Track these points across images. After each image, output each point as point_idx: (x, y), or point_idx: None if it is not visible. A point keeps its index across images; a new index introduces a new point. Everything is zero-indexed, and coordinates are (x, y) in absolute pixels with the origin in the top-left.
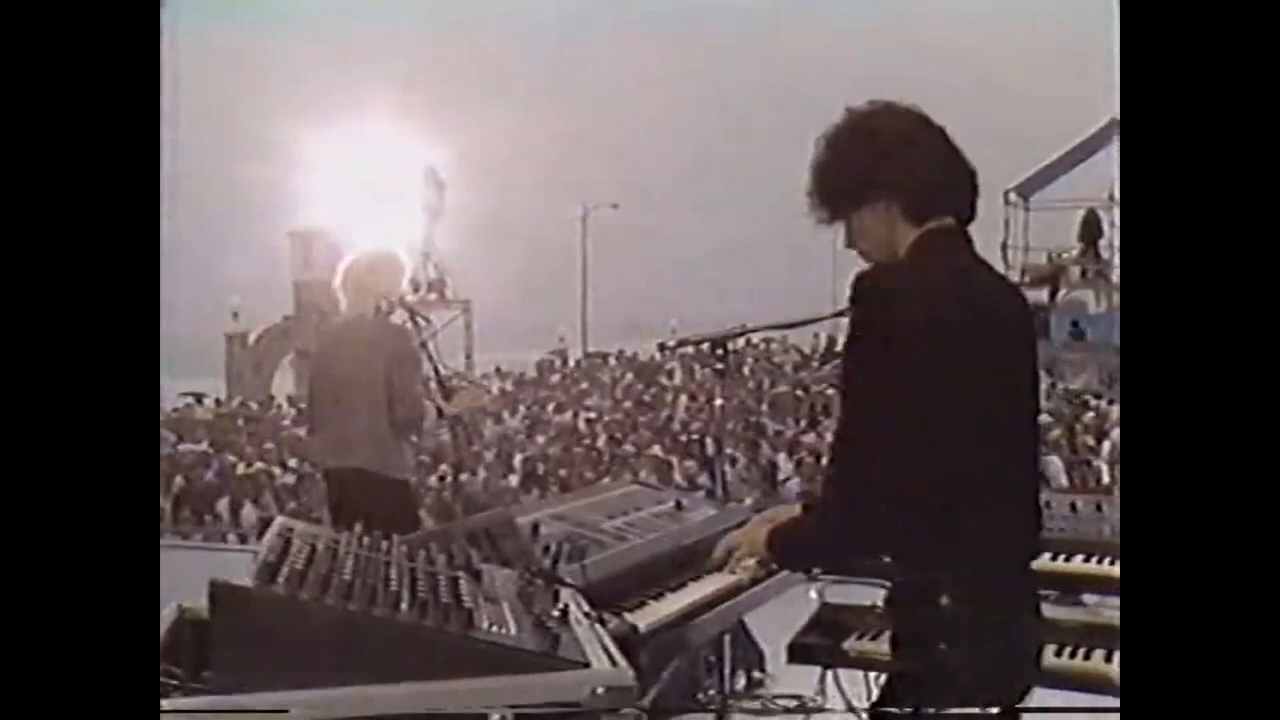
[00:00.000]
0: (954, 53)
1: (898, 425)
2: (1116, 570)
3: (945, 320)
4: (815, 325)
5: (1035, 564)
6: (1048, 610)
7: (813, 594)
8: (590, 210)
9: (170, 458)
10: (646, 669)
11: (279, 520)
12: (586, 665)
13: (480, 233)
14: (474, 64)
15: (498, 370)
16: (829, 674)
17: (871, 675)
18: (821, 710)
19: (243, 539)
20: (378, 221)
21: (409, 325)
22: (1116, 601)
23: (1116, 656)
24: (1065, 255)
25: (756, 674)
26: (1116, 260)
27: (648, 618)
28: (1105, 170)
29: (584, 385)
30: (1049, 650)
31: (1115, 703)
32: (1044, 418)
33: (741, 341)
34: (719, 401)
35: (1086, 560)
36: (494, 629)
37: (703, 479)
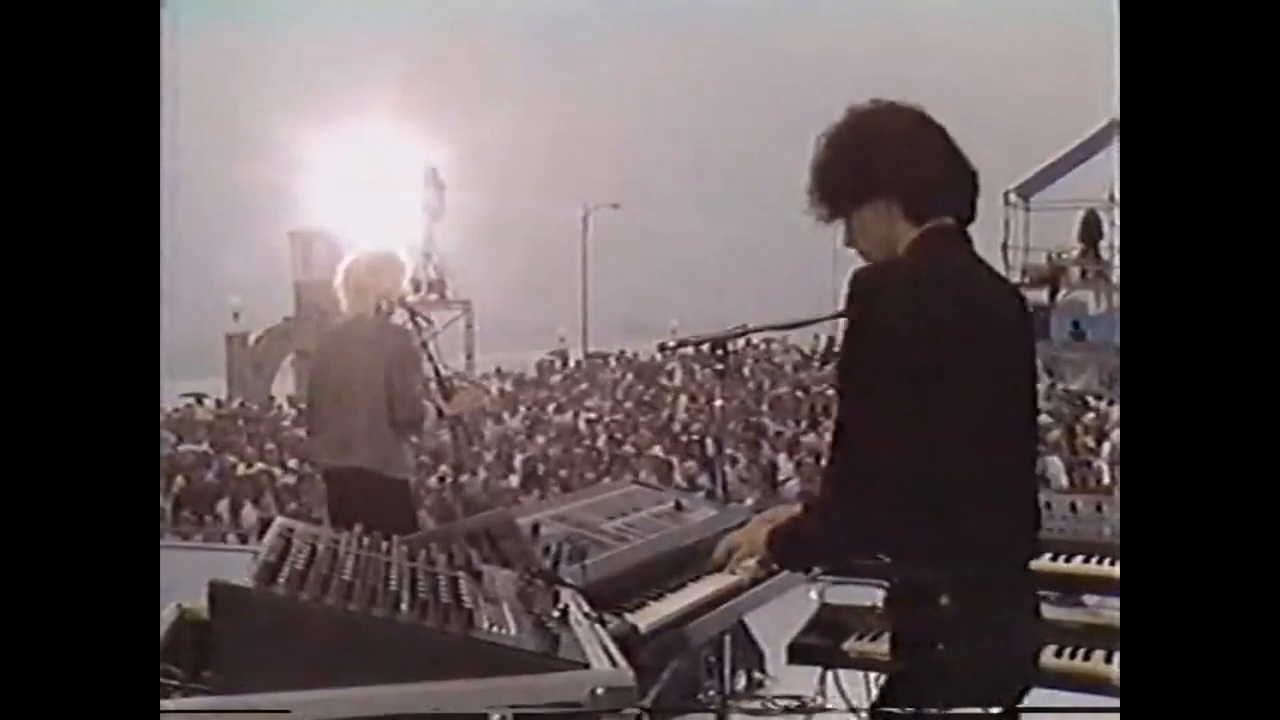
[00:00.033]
0: (954, 53)
1: (894, 423)
2: (1116, 571)
3: (942, 318)
4: (815, 326)
5: (1035, 564)
6: (1048, 611)
7: (813, 594)
8: (590, 210)
9: (170, 458)
10: (646, 669)
11: (279, 521)
12: (587, 666)
13: (480, 233)
14: (474, 64)
15: (498, 371)
16: (829, 674)
17: (871, 676)
18: (822, 710)
19: (243, 539)
20: (378, 221)
21: (409, 325)
22: (1116, 602)
23: (1116, 657)
24: (1065, 256)
25: (757, 674)
26: (1116, 261)
27: (648, 618)
28: (1105, 171)
29: (584, 386)
30: (1049, 650)
31: (1115, 703)
32: (1044, 418)
33: (742, 342)
34: (719, 402)
35: (1086, 561)
36: (494, 629)
37: (703, 479)
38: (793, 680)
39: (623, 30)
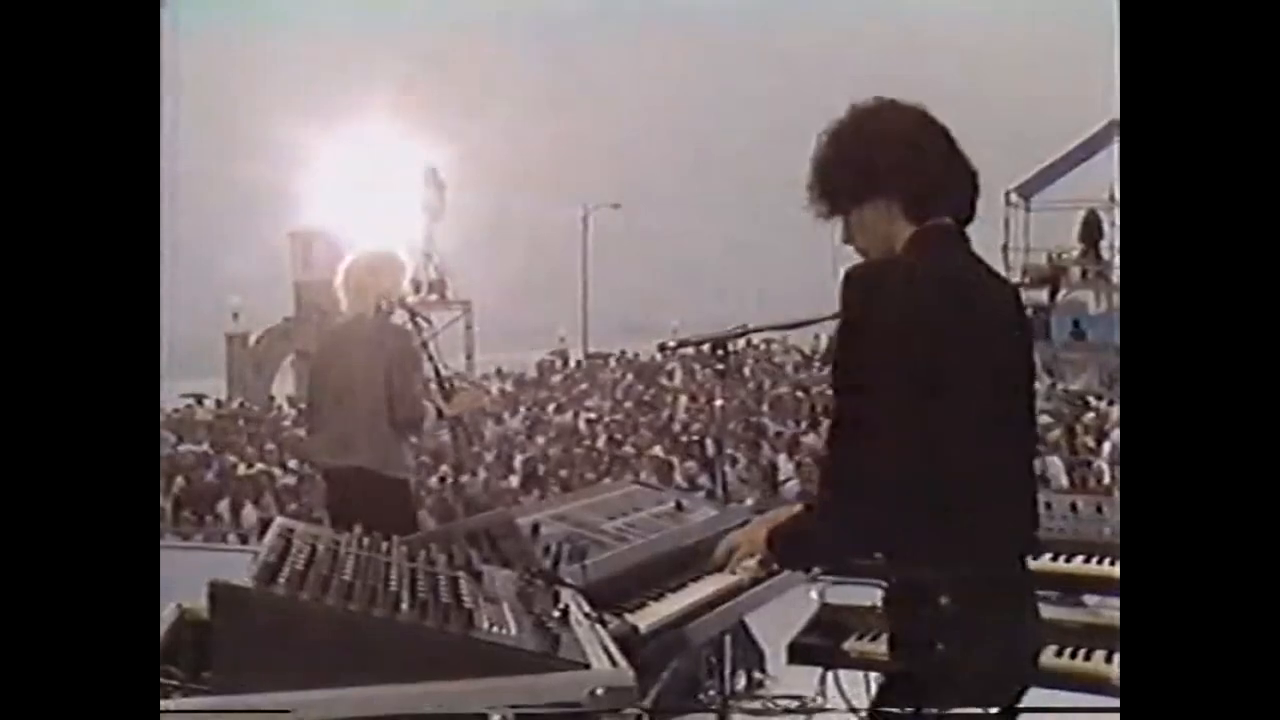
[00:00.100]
0: (954, 53)
1: (890, 421)
2: (1117, 571)
3: (938, 316)
4: (816, 326)
5: (1035, 564)
6: (1048, 611)
7: (813, 594)
8: (590, 210)
9: (171, 458)
10: (647, 669)
11: (279, 521)
12: (587, 666)
13: (480, 233)
14: (474, 64)
15: (498, 371)
16: (829, 674)
17: (871, 675)
18: (822, 710)
19: (243, 539)
20: (378, 221)
21: (409, 326)
22: (1117, 602)
23: (1117, 657)
24: (1066, 256)
25: (757, 674)
26: (1117, 261)
27: (648, 618)
28: (1105, 171)
29: (584, 386)
30: (1050, 650)
31: (1115, 703)
32: (1044, 418)
33: (742, 342)
34: (719, 402)
35: (1087, 561)
36: (494, 629)
37: (703, 480)
38: (793, 680)
39: (623, 30)
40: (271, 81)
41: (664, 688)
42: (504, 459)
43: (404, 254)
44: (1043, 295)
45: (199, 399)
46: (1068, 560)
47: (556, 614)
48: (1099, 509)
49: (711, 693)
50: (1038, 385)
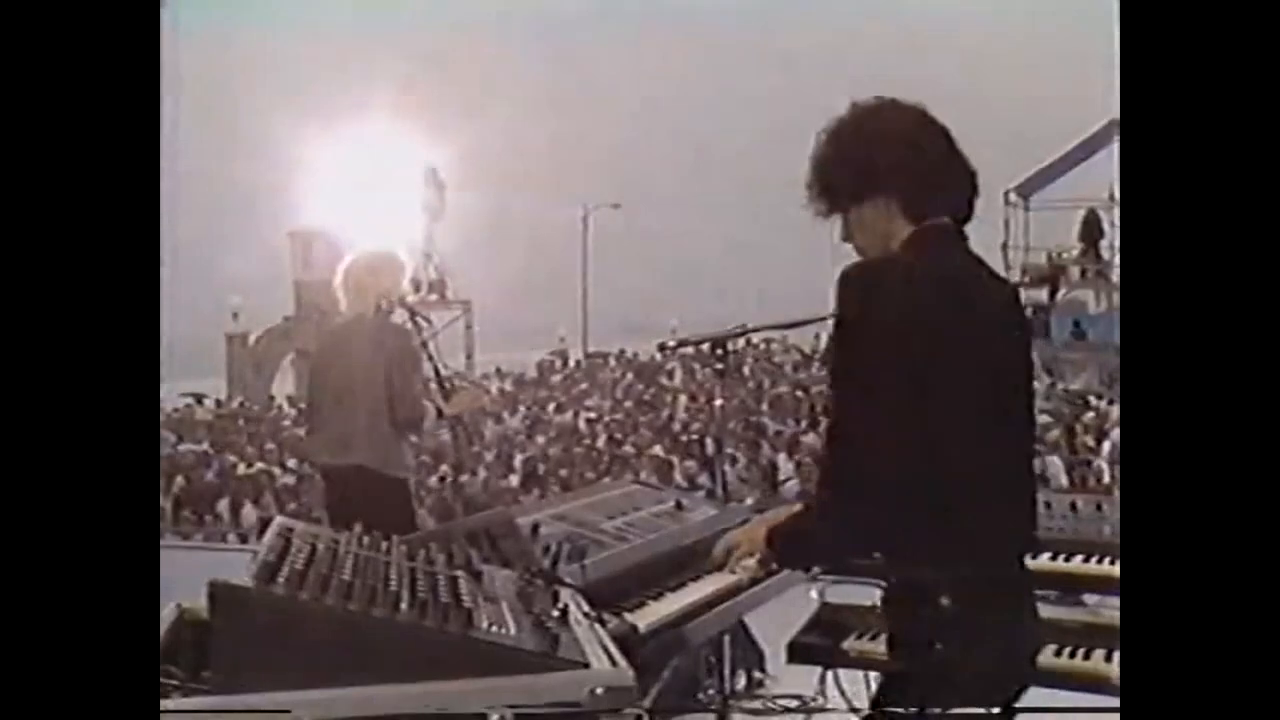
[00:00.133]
0: (954, 52)
1: (887, 420)
2: (1116, 570)
3: (935, 314)
4: (815, 325)
5: (1035, 564)
6: (1048, 610)
7: (813, 594)
8: (590, 210)
9: (170, 458)
10: (646, 669)
11: (278, 520)
12: (586, 665)
13: (480, 233)
14: (474, 64)
15: (498, 370)
16: (829, 674)
17: (871, 675)
18: (822, 710)
19: (243, 539)
20: (378, 221)
21: (409, 325)
22: (1116, 601)
23: (1116, 656)
24: (1065, 255)
25: (757, 674)
26: (1116, 260)
27: (647, 618)
28: (1105, 170)
29: (584, 385)
30: (1049, 650)
31: (1115, 702)
32: (1044, 418)
33: (741, 342)
34: (719, 402)
35: (1086, 560)
36: (494, 629)
37: (703, 479)
38: (793, 680)
39: (623, 30)
40: (271, 81)
41: (663, 687)
42: (504, 458)
43: (404, 254)
44: (1042, 295)
45: (199, 398)
46: (1067, 560)
47: (556, 613)
48: (1098, 508)
49: (711, 692)
50: (1037, 385)
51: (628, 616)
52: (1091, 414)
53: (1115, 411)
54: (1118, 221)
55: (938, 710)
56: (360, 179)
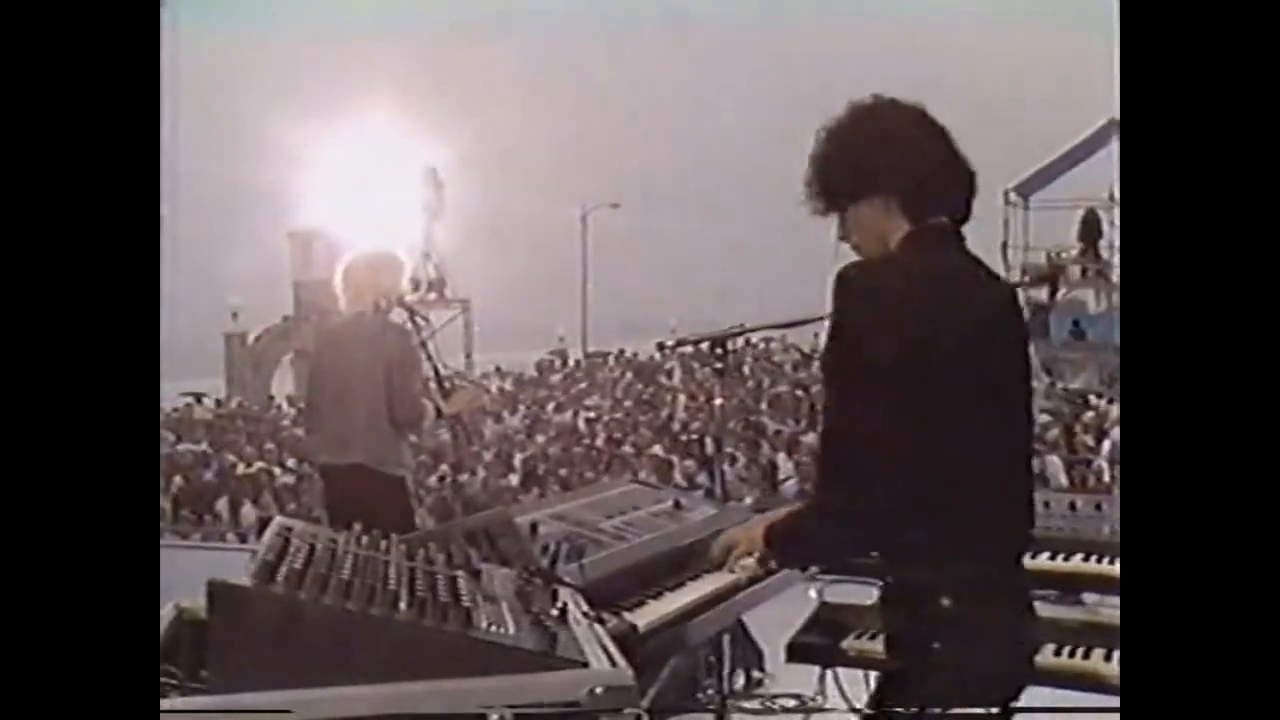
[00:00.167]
0: (954, 52)
1: (882, 419)
2: (1115, 569)
3: (930, 314)
4: (814, 325)
5: (1034, 563)
6: (1048, 609)
7: (812, 593)
8: (590, 210)
9: (169, 457)
10: (645, 668)
11: (277, 520)
12: (585, 665)
13: (480, 232)
14: (474, 64)
15: (497, 370)
16: (828, 673)
17: (871, 674)
18: (821, 710)
19: (242, 539)
20: (377, 221)
21: (408, 324)
22: (1115, 600)
23: (1115, 655)
24: (1065, 255)
25: (756, 673)
26: (1116, 260)
27: (646, 617)
28: (1105, 170)
29: (584, 385)
30: (1049, 649)
31: (1114, 702)
32: (1044, 417)
33: (741, 341)
34: (718, 401)
35: (1085, 559)
36: (492, 628)
37: (702, 478)
38: (792, 679)
39: (623, 30)
40: (271, 81)
41: (663, 687)
42: (503, 458)
43: (403, 253)
44: (1042, 294)
45: (198, 398)
46: (1066, 559)
47: (555, 613)
48: (1097, 507)
49: (710, 692)
50: (1037, 384)
51: (627, 616)
52: (1091, 413)
53: (1114, 411)
54: (1117, 221)
55: (937, 710)
56: (360, 179)
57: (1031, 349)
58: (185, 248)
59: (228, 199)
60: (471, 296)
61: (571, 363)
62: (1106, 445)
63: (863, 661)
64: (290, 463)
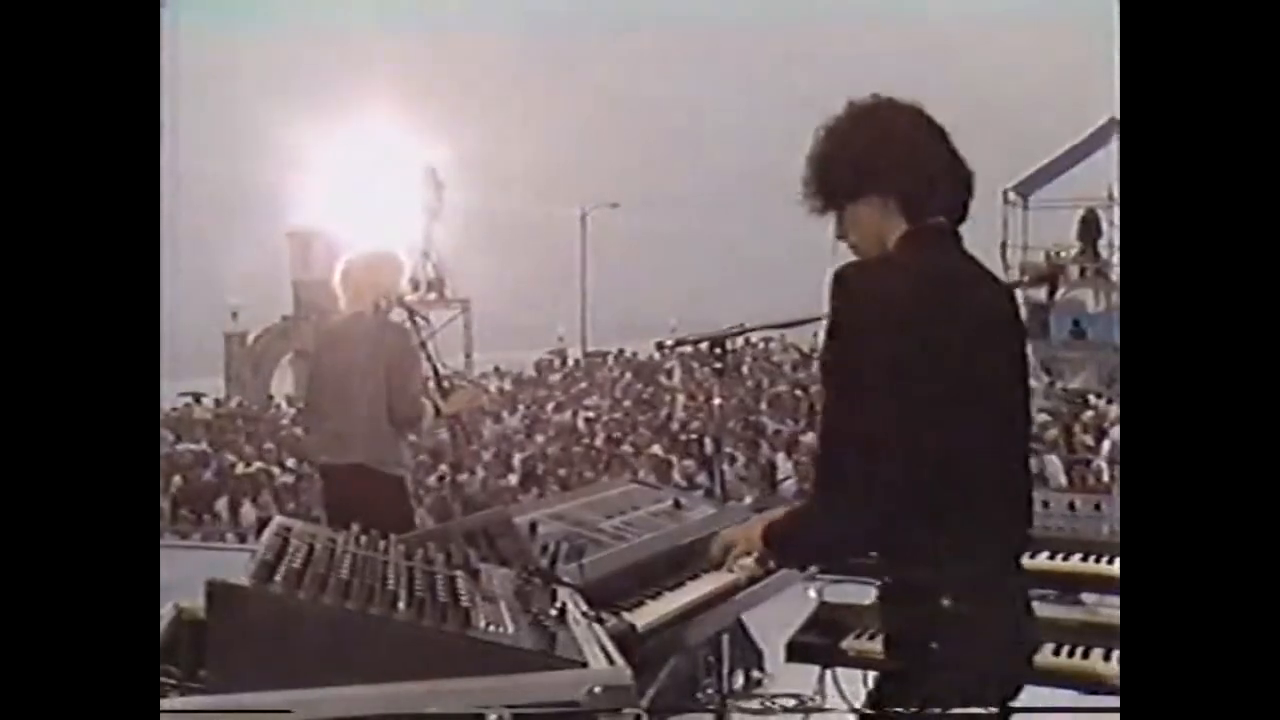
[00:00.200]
0: (954, 52)
1: (879, 419)
2: (1114, 569)
3: (927, 314)
4: (814, 325)
5: (1034, 563)
6: (1046, 609)
7: (811, 593)
8: (589, 210)
9: (169, 457)
10: (644, 668)
11: (276, 519)
12: (584, 665)
13: (479, 232)
14: (474, 64)
15: (497, 370)
16: (828, 673)
17: (870, 674)
18: (820, 710)
19: (241, 538)
20: (377, 221)
21: (408, 324)
22: (1114, 600)
23: (1114, 655)
24: (1064, 254)
25: (755, 673)
26: (1115, 259)
27: (646, 617)
28: (1104, 169)
29: (583, 384)
30: (1048, 649)
31: (1114, 702)
32: (1043, 417)
33: (740, 341)
34: (718, 401)
35: (1084, 559)
36: (491, 628)
37: (701, 478)
38: (791, 679)
39: (622, 30)
40: (271, 81)
41: (662, 687)
42: (503, 457)
43: (402, 253)
44: (1041, 294)
45: (197, 397)
46: (1065, 559)
47: (554, 613)
48: (1097, 507)
49: (710, 691)
50: (1036, 384)
51: (626, 615)
52: (1090, 413)
53: (1114, 410)
54: (1116, 220)
55: (935, 710)
56: (359, 179)
57: (1029, 349)
58: (185, 247)
59: (227, 199)
60: (471, 296)
61: (571, 362)
62: (1106, 445)
63: (862, 661)
64: (289, 462)
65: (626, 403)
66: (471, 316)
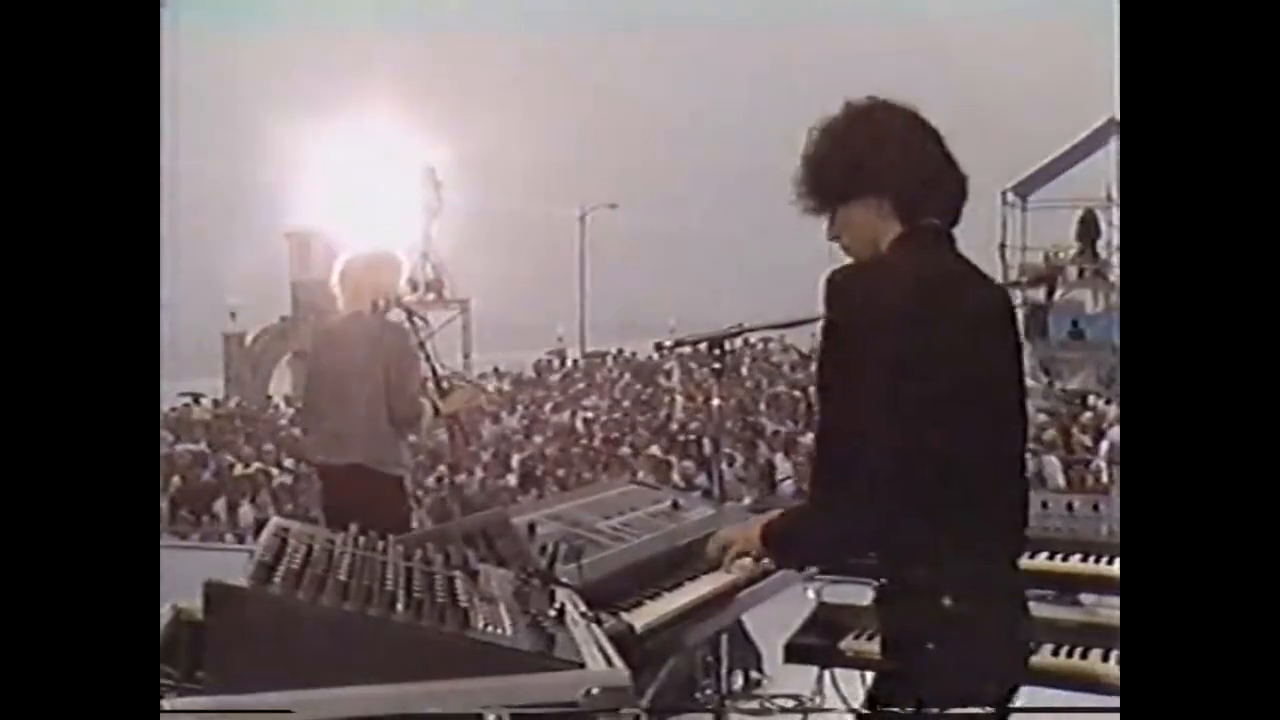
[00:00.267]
0: (953, 52)
1: (874, 420)
2: (1113, 570)
3: (919, 315)
4: (813, 325)
5: (1032, 564)
6: (1045, 610)
7: (810, 593)
8: (589, 210)
9: (168, 457)
10: (643, 669)
11: (274, 520)
12: (582, 665)
13: (479, 233)
14: (474, 64)
15: (495, 370)
16: (826, 673)
17: (869, 674)
18: (819, 710)
19: (239, 539)
20: (375, 221)
21: (406, 324)
22: (1113, 601)
23: (1113, 655)
24: (1063, 255)
25: (754, 674)
26: (1114, 260)
27: (644, 617)
28: (1102, 169)
29: (582, 385)
30: (1046, 649)
31: (1113, 702)
32: (1041, 417)
33: (739, 341)
34: (716, 401)
35: (1083, 560)
36: (490, 629)
37: (700, 479)
38: (790, 679)
39: (622, 30)
40: (270, 81)
41: (660, 687)
42: (501, 458)
43: (401, 253)
44: (1040, 294)
45: (196, 398)
46: (1064, 559)
47: (552, 613)
48: (1095, 508)
49: (708, 692)
50: (1035, 384)
51: (624, 616)
52: (1088, 413)
53: (1112, 411)
54: (1115, 221)
55: (933, 710)
56: (358, 179)
57: (1025, 350)
58: (185, 248)
59: (227, 199)
60: (470, 296)
61: (570, 363)
62: (1104, 445)
63: (860, 662)
64: (288, 463)
65: (625, 403)
66: (470, 317)
